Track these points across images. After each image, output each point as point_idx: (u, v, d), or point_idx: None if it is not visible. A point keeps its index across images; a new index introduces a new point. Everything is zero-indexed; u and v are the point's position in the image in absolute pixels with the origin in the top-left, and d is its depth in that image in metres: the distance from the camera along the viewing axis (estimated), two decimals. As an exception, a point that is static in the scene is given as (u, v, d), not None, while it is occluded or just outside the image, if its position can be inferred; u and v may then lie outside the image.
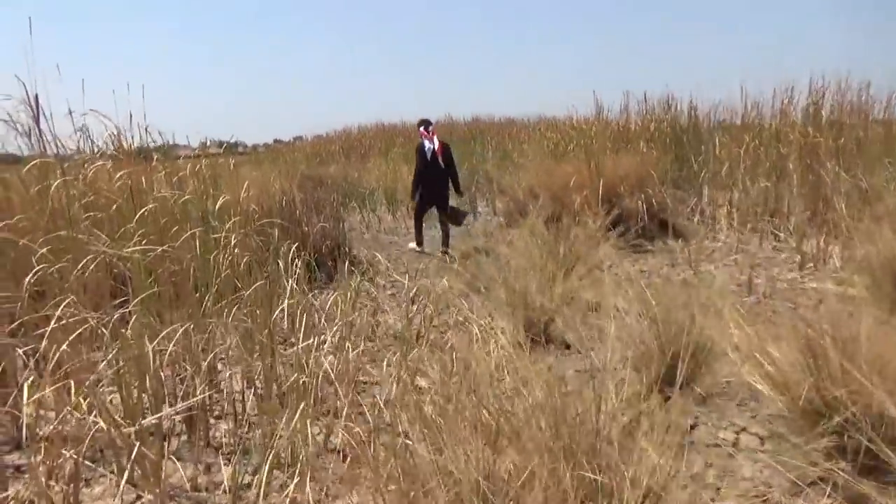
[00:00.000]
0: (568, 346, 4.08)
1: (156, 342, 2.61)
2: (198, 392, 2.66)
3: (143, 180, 3.94)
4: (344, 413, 2.71)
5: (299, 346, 2.87)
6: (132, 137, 4.57)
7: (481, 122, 19.88)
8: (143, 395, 2.61)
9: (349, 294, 4.51)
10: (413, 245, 7.83)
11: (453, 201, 7.87)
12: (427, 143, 7.30)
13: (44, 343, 2.52)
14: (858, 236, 4.81)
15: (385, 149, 16.14)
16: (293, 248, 5.18)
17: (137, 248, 2.89)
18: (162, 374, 2.72)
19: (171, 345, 2.74)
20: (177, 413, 2.74)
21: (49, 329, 2.47)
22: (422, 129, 7.46)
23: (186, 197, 3.78)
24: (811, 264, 5.79)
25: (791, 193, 7.11)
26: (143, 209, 3.23)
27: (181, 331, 2.74)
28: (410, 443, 2.08)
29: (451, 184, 7.56)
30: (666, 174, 7.66)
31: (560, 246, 4.92)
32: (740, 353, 3.17)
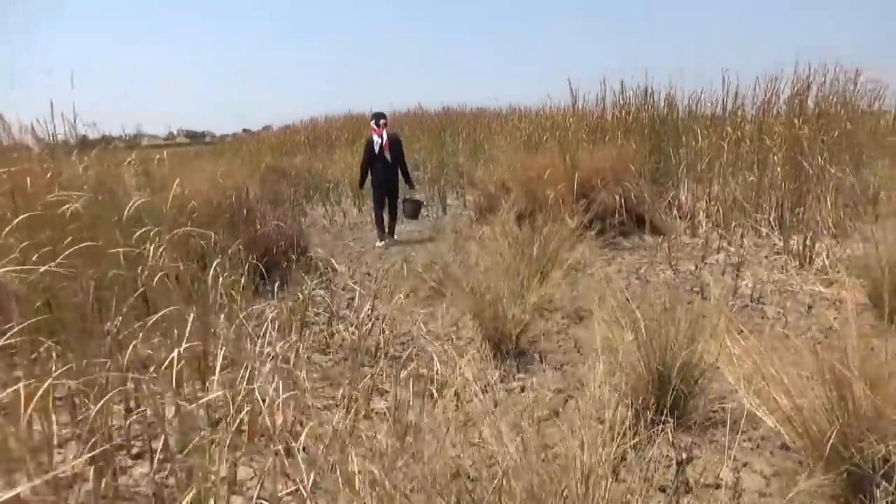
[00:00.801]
0: (542, 359, 3.67)
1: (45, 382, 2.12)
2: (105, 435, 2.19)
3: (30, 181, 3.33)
4: (277, 458, 2.25)
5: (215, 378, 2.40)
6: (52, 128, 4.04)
7: (453, 113, 19.37)
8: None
9: (299, 303, 4.05)
10: (378, 243, 7.61)
11: (420, 194, 8.07)
12: (375, 138, 7.46)
13: None
14: (854, 235, 4.48)
15: (352, 139, 15.56)
16: (239, 250, 4.72)
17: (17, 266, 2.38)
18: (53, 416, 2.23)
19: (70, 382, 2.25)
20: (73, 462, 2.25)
21: None
22: (372, 122, 7.62)
23: (82, 199, 3.22)
24: (796, 263, 5.48)
25: (774, 188, 6.81)
26: (26, 214, 2.71)
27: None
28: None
29: (401, 176, 7.74)
30: (643, 167, 7.30)
31: (534, 246, 4.50)
32: (736, 370, 2.80)
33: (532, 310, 3.88)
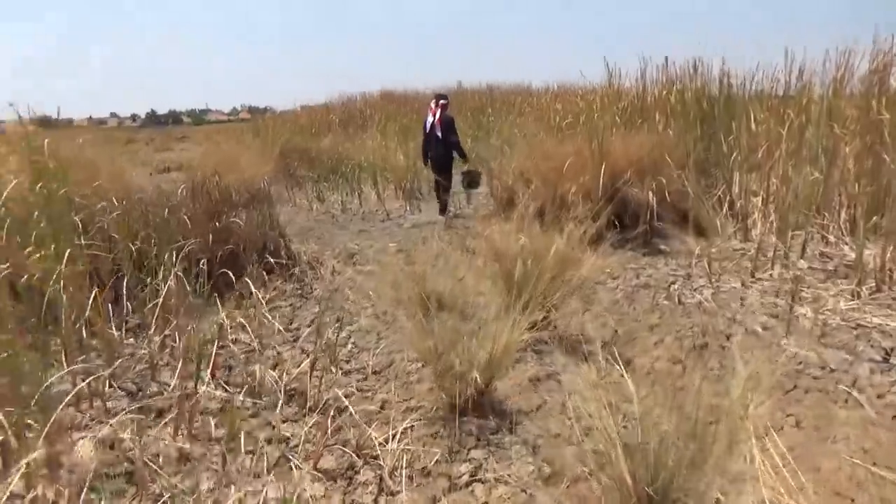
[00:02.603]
0: (513, 426, 2.78)
1: None
2: None
3: None
4: None
5: None
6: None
7: (497, 91, 18.30)
8: None
9: (199, 337, 3.27)
10: (440, 216, 7.82)
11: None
12: (429, 117, 7.71)
13: None
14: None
15: (385, 121, 14.76)
16: (173, 253, 4.00)
17: None
18: None
19: None
20: None
21: None
22: (432, 103, 7.83)
23: None
24: (872, 283, 4.38)
25: (846, 185, 5.63)
26: None
27: None
28: None
29: (455, 152, 7.75)
30: (688, 156, 6.22)
31: (527, 262, 3.59)
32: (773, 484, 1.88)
33: (515, 346, 3.01)
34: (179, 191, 4.88)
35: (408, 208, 8.66)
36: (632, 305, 4.32)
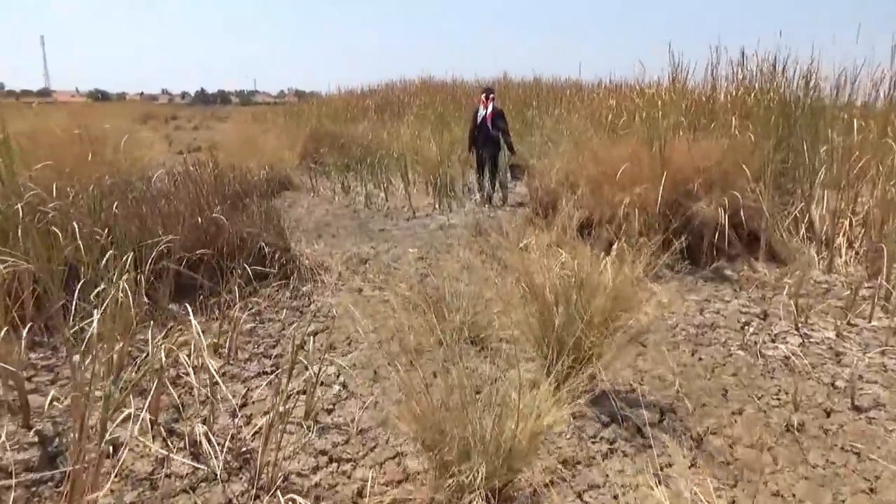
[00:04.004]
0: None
1: None
2: None
3: None
4: None
5: None
6: None
7: (545, 85, 17.28)
8: None
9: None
10: (475, 197, 8.17)
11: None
12: (481, 109, 8.06)
13: None
14: None
15: (423, 108, 13.94)
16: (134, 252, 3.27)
17: None
18: None
19: None
20: None
21: None
22: (482, 96, 8.17)
23: None
24: None
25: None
26: None
27: None
28: None
29: (504, 144, 8.01)
30: (765, 168, 5.27)
31: (571, 301, 2.75)
32: None
33: (525, 444, 2.18)
34: (156, 177, 4.14)
35: (437, 207, 7.85)
36: (697, 354, 3.44)
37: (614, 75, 12.62)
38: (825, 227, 5.36)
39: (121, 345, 2.89)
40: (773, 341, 3.61)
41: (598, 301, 2.73)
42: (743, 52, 6.16)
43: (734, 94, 5.93)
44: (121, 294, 2.93)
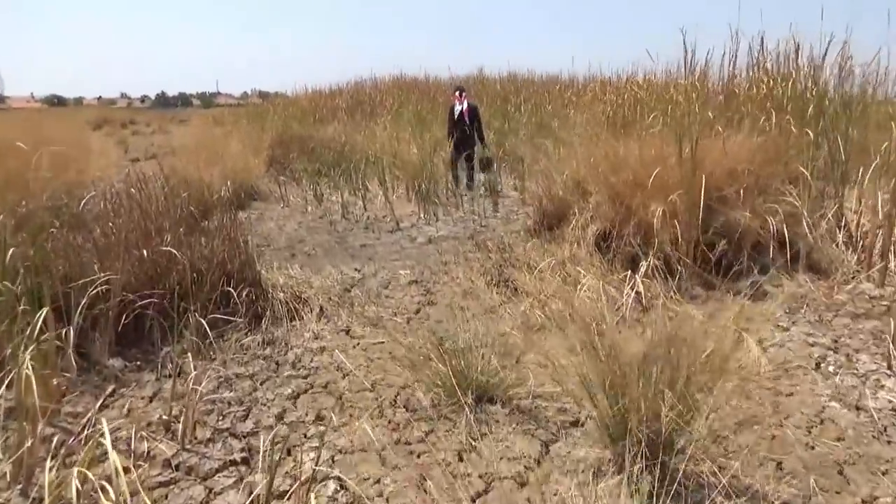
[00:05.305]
0: None
1: None
2: None
3: None
4: None
5: None
6: None
7: (520, 81, 16.64)
8: None
9: None
10: (458, 189, 8.28)
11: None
12: (457, 105, 8.73)
13: None
14: None
15: (397, 107, 13.13)
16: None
17: None
18: None
19: None
20: None
21: None
22: (456, 93, 8.92)
23: None
24: None
25: None
26: None
27: None
28: None
29: (477, 136, 8.80)
30: (807, 166, 4.63)
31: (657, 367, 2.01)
32: None
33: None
34: (85, 200, 3.30)
35: (422, 216, 7.06)
36: (781, 410, 2.73)
37: (601, 69, 12.01)
38: (869, 233, 4.75)
39: (29, 443, 2.08)
40: (864, 383, 2.94)
41: (690, 357, 2.00)
42: (763, 39, 5.52)
43: (766, 83, 5.25)
44: (27, 369, 2.12)
